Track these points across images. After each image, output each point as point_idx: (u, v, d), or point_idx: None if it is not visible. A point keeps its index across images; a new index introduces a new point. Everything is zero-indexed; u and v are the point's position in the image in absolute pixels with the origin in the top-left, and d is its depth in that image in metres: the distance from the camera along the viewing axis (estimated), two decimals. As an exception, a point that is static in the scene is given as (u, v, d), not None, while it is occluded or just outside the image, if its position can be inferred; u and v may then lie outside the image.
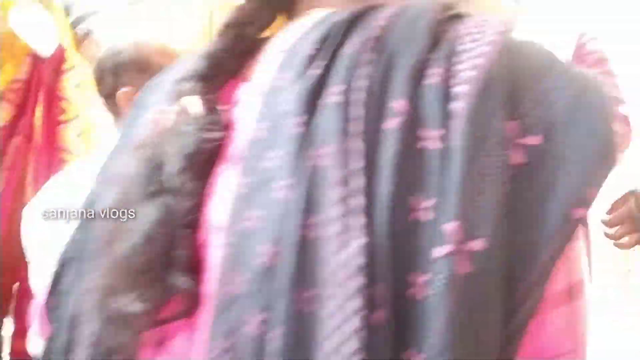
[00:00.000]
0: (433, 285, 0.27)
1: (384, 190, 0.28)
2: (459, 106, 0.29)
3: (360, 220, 0.28)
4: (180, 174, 0.34)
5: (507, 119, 0.30)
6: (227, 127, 0.37)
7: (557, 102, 0.30)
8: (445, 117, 0.29)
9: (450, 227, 0.27)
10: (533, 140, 0.30)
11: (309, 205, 0.29)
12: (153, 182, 0.35)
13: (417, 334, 0.27)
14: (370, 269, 0.27)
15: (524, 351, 0.30)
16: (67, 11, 1.44)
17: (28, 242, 1.04)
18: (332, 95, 0.30)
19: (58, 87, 1.26)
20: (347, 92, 0.30)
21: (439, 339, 0.26)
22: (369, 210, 0.28)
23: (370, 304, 0.27)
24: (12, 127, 1.24)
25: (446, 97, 0.30)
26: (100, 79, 1.09)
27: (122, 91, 1.03)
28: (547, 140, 0.29)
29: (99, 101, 1.42)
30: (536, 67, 0.32)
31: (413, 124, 0.30)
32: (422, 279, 0.27)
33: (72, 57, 1.30)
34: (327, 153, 0.29)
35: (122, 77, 1.04)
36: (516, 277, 0.28)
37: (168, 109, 0.38)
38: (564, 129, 0.30)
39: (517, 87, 0.31)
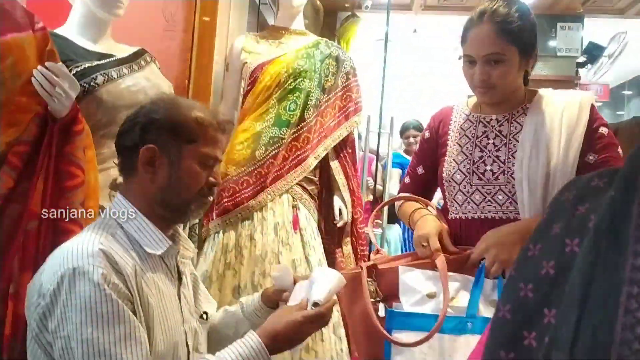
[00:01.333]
0: None
1: None
2: None
3: None
4: None
5: None
6: None
7: None
8: None
9: None
10: None
11: None
12: None
13: None
14: None
15: None
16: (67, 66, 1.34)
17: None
18: None
19: (69, 151, 1.13)
20: None
21: None
22: None
23: None
24: (11, 194, 1.09)
25: None
26: (126, 132, 1.03)
27: (147, 147, 0.99)
28: None
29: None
30: None
31: None
32: None
33: (82, 118, 1.19)
34: None
35: (150, 133, 1.00)
36: None
37: None
38: None
39: None
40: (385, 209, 3.13)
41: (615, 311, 0.36)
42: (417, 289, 1.26)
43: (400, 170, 3.65)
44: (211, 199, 1.10)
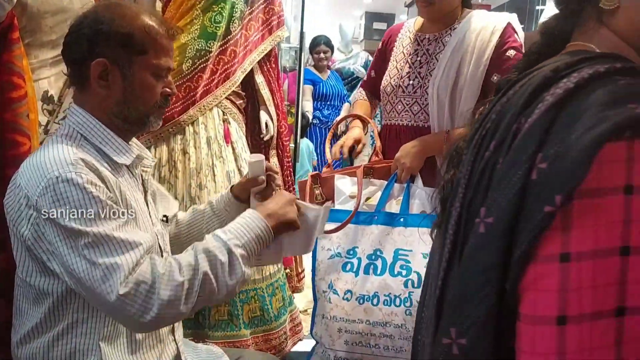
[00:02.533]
0: None
1: None
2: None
3: None
4: None
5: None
6: None
7: None
8: None
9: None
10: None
11: None
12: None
13: None
14: None
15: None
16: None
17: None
18: None
19: (8, 60, 1.06)
20: None
21: None
22: None
23: None
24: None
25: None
26: (72, 43, 0.99)
27: (97, 61, 0.97)
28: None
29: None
30: None
31: None
32: None
33: (17, 25, 1.10)
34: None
35: (98, 46, 0.98)
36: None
37: None
38: None
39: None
40: (299, 124, 3.25)
41: None
42: (344, 191, 1.51)
43: (312, 87, 3.74)
44: (167, 108, 1.11)
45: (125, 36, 0.98)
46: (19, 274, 0.98)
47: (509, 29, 1.43)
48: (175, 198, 1.81)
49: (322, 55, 3.76)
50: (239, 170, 1.90)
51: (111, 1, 1.08)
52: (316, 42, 3.79)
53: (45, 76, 1.35)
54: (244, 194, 1.22)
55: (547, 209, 0.45)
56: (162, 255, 1.13)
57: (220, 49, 1.89)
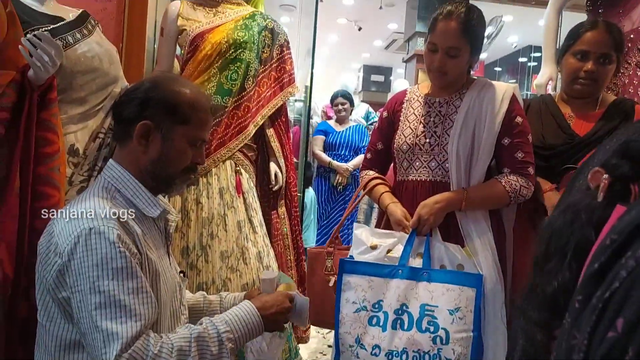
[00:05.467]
0: None
1: None
2: None
3: None
4: None
5: None
6: None
7: None
8: None
9: None
10: None
11: None
12: None
13: None
14: None
15: None
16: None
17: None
18: None
19: (45, 117, 1.13)
20: None
21: None
22: None
23: None
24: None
25: None
26: (125, 104, 1.09)
27: (143, 123, 1.07)
28: None
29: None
30: None
31: None
32: None
33: (56, 85, 1.18)
34: None
35: (147, 110, 1.07)
36: None
37: None
38: None
39: None
40: (301, 174, 3.32)
41: None
42: (365, 241, 1.56)
43: (323, 137, 3.89)
44: (194, 177, 1.20)
45: (172, 106, 1.09)
46: (39, 318, 1.02)
47: (514, 98, 1.55)
48: (187, 247, 1.85)
49: (340, 107, 3.91)
50: (249, 220, 1.95)
51: (170, 74, 1.19)
52: (335, 96, 3.99)
53: (72, 131, 1.43)
54: None
55: None
56: (180, 306, 1.16)
57: (235, 104, 1.98)
